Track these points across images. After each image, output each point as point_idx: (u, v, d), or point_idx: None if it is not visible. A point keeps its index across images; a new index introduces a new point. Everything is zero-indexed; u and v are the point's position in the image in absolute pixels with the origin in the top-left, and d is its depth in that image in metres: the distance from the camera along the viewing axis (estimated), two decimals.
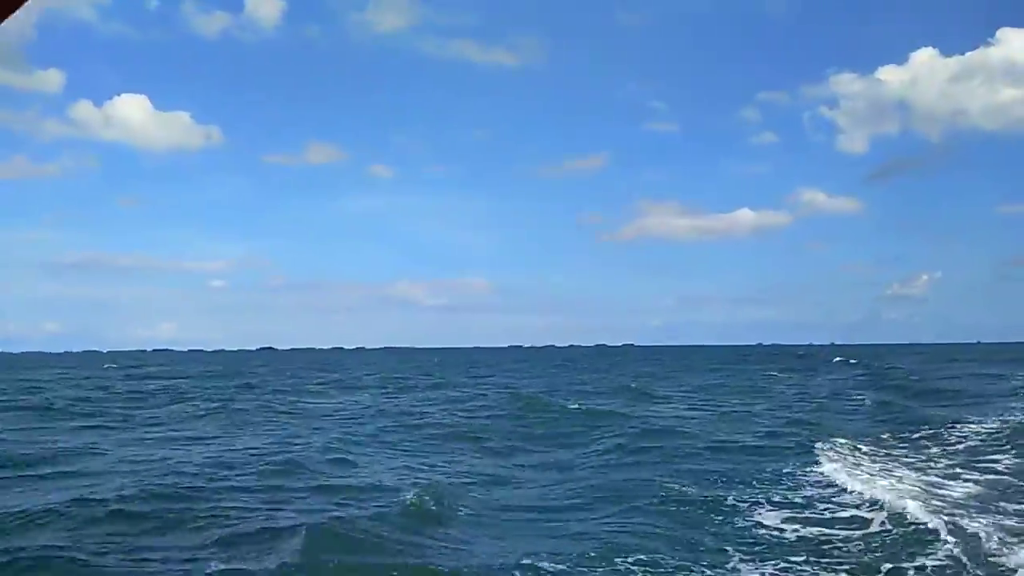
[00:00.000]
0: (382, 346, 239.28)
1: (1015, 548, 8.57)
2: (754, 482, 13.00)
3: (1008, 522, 9.89)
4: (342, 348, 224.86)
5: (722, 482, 13.03)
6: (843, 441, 16.67)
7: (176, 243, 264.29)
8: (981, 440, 17.33)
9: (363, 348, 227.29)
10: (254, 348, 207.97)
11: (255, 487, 12.42)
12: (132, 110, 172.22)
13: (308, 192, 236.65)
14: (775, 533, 9.97)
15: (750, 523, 10.41)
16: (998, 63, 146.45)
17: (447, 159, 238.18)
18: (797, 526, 10.25)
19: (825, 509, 11.15)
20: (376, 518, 10.12)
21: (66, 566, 8.35)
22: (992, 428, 18.76)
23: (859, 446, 16.44)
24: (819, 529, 10.12)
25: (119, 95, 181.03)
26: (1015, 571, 7.94)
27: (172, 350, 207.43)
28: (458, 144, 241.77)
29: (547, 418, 22.58)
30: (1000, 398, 27.22)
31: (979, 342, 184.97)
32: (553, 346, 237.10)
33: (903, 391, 31.70)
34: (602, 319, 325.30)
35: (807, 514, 10.91)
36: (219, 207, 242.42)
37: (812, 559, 8.85)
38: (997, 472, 13.68)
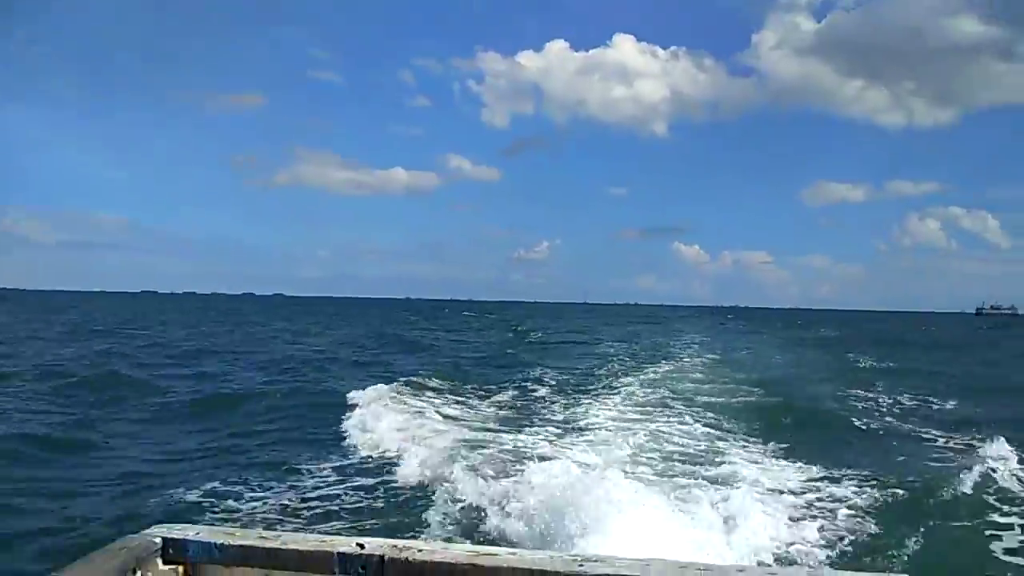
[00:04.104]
0: None
1: None
2: None
3: None
4: None
5: None
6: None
7: None
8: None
9: None
10: None
11: None
12: None
13: None
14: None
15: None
16: (612, 64, 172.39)
17: (76, 73, 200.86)
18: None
19: None
20: None
21: None
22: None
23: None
24: None
25: None
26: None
27: None
28: (92, 59, 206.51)
29: None
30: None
31: (585, 302, 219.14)
32: (195, 293, 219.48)
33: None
34: (251, 267, 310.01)
35: None
36: None
37: None
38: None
